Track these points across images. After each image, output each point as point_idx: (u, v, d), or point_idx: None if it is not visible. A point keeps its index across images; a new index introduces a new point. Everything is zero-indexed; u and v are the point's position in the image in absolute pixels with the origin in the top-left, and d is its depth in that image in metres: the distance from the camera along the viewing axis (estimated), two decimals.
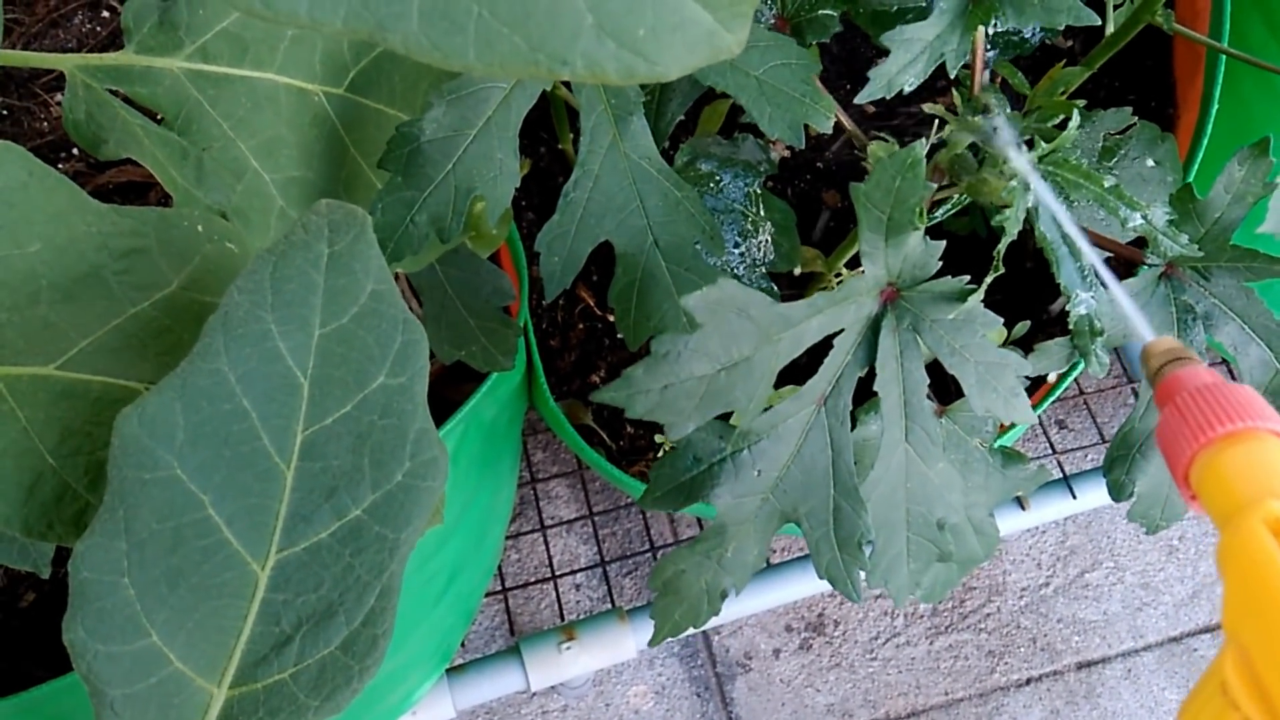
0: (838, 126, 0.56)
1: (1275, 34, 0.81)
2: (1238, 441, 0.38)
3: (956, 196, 0.60)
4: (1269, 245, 0.58)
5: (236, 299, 0.36)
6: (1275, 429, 0.38)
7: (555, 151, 0.87)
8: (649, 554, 1.05)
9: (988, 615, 1.09)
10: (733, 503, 0.53)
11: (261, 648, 0.36)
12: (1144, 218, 0.52)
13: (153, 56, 0.48)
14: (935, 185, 0.56)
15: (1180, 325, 0.58)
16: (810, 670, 1.06)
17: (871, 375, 0.53)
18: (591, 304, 0.85)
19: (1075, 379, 1.09)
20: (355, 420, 0.37)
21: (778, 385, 0.52)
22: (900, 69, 0.54)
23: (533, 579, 1.05)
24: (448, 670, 0.90)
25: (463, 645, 1.03)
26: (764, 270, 0.62)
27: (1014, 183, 0.51)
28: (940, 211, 0.61)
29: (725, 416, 0.52)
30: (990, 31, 0.67)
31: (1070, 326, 0.54)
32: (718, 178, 0.62)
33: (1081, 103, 0.62)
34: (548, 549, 1.05)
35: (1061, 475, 1.02)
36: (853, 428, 0.53)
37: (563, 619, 1.03)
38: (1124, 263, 0.80)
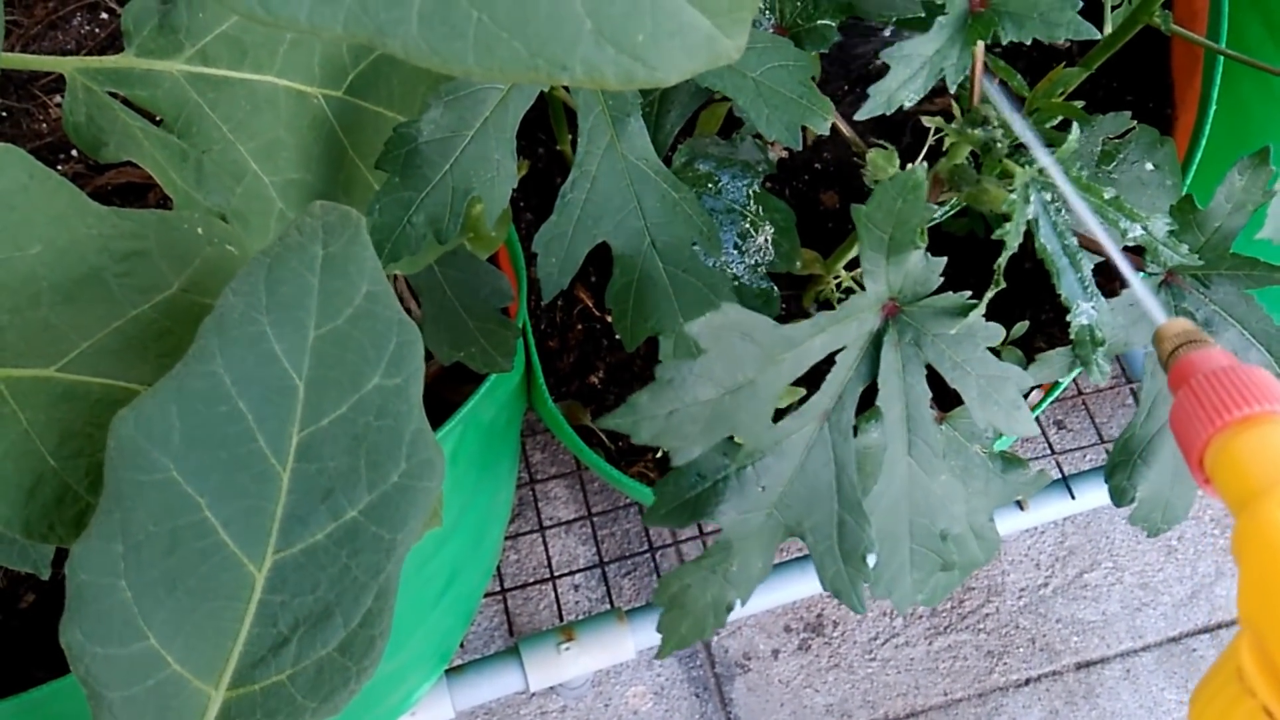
0: (836, 128, 0.56)
1: (1273, 35, 0.82)
2: (1253, 426, 0.37)
3: (954, 199, 0.60)
4: (1268, 252, 0.59)
5: (231, 301, 0.36)
6: None
7: (553, 153, 0.87)
8: (648, 554, 1.06)
9: (986, 616, 1.09)
10: (737, 519, 0.53)
11: (259, 649, 0.36)
12: (1144, 228, 0.53)
13: (153, 59, 0.48)
14: (935, 206, 0.56)
15: None
16: (809, 671, 1.06)
17: (872, 387, 0.53)
18: (590, 305, 0.85)
19: (1074, 379, 1.10)
20: (351, 422, 0.37)
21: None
22: (900, 84, 0.54)
23: (531, 580, 1.05)
24: (447, 671, 0.91)
25: (462, 646, 1.03)
26: (764, 271, 0.62)
27: (1014, 194, 0.51)
28: (939, 213, 0.61)
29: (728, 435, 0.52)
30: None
31: (1072, 336, 0.54)
32: (716, 178, 0.62)
33: (1080, 104, 0.63)
34: (546, 550, 1.05)
35: (1060, 476, 1.02)
36: (854, 437, 0.54)
37: (561, 619, 1.03)
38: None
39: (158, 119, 0.49)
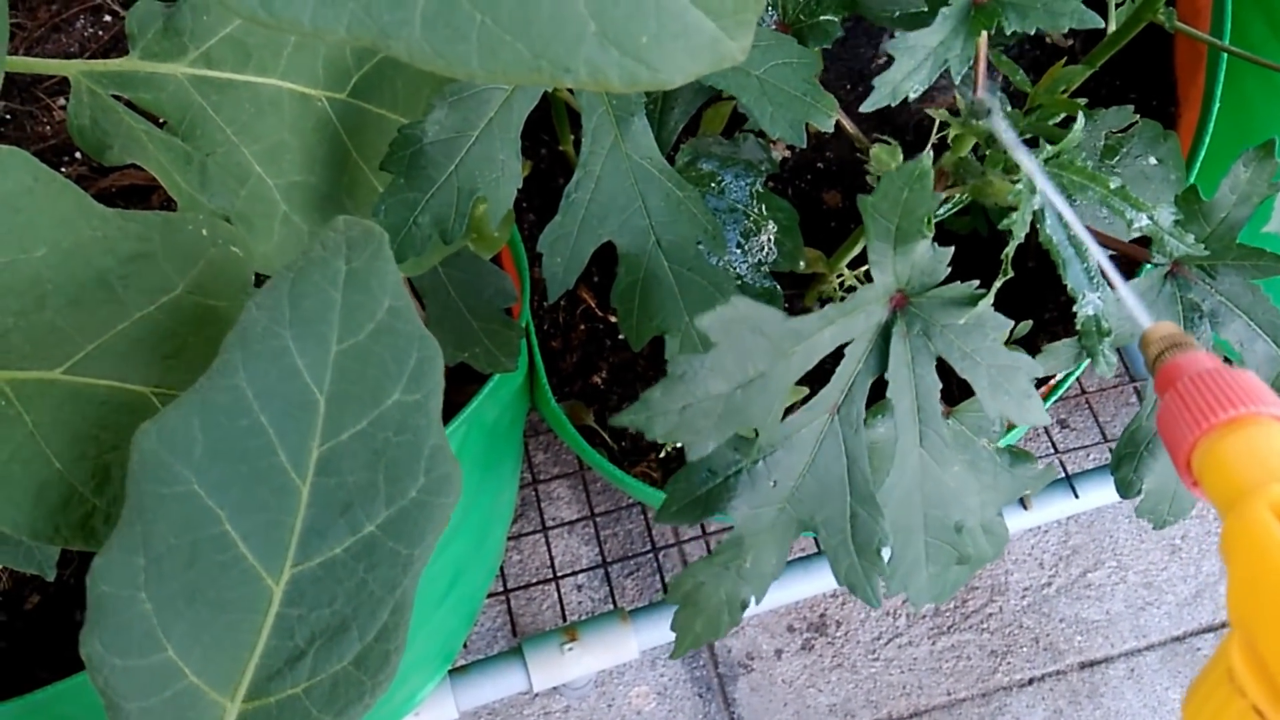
0: (839, 125, 0.56)
1: (1276, 32, 0.81)
2: (1239, 427, 0.37)
3: (958, 196, 0.60)
4: (1275, 244, 0.59)
5: (255, 315, 0.36)
6: (1277, 414, 0.37)
7: (556, 153, 0.87)
8: (651, 554, 1.06)
9: (990, 615, 1.09)
10: (750, 514, 0.53)
11: (275, 662, 0.37)
12: (1150, 218, 0.53)
13: (157, 62, 0.48)
14: (942, 196, 0.56)
15: (1187, 323, 0.59)
16: (812, 671, 1.06)
17: (882, 380, 0.53)
18: (593, 305, 0.85)
19: (1078, 378, 1.10)
20: (370, 437, 0.37)
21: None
22: (905, 76, 0.54)
23: (534, 580, 1.05)
24: (450, 671, 0.91)
25: (465, 646, 1.04)
26: (767, 270, 0.62)
27: (1020, 185, 0.51)
28: (941, 211, 0.61)
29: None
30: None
31: (1078, 327, 0.54)
32: (719, 177, 0.62)
33: (1083, 101, 0.63)
34: (549, 550, 1.05)
35: (1064, 475, 1.02)
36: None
37: (565, 620, 1.03)
38: (1129, 261, 0.80)
39: (162, 122, 0.50)
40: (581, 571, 1.05)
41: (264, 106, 0.49)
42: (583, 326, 0.85)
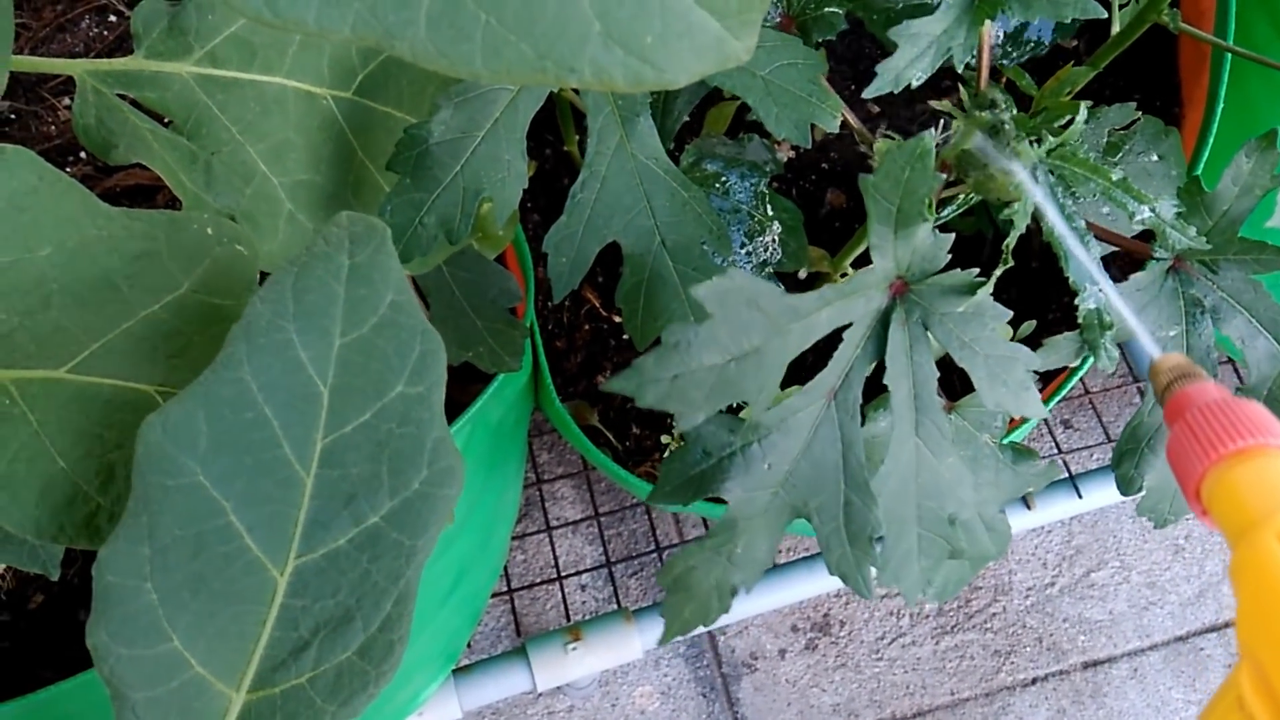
0: (843, 127, 0.56)
1: None
2: (1248, 458, 0.38)
3: (963, 196, 0.60)
4: (1277, 239, 0.58)
5: (259, 309, 0.36)
6: None
7: (560, 153, 0.87)
8: (654, 554, 1.06)
9: (993, 615, 1.09)
10: (743, 497, 0.53)
11: (280, 653, 0.37)
12: (1152, 210, 0.52)
13: (162, 61, 0.48)
14: (944, 176, 0.56)
15: (1188, 319, 0.59)
16: (816, 670, 1.06)
17: (881, 373, 0.53)
18: (597, 305, 0.85)
19: (1081, 378, 1.09)
20: (374, 429, 0.37)
21: (784, 385, 0.52)
22: (908, 63, 0.54)
23: (538, 580, 1.05)
24: (454, 671, 0.91)
25: (469, 646, 1.04)
26: (771, 270, 0.62)
27: (1021, 178, 0.51)
28: (947, 211, 0.61)
29: (734, 410, 0.52)
30: (1003, 34, 0.67)
31: (1079, 320, 0.54)
32: (724, 178, 0.62)
33: (1088, 103, 0.62)
34: (553, 550, 1.05)
35: (1067, 475, 1.02)
36: (862, 424, 0.53)
37: (568, 619, 1.03)
38: (1131, 257, 0.80)
39: (167, 121, 0.50)
40: (585, 571, 1.05)
41: (269, 105, 0.49)
42: (587, 326, 0.85)
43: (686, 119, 0.63)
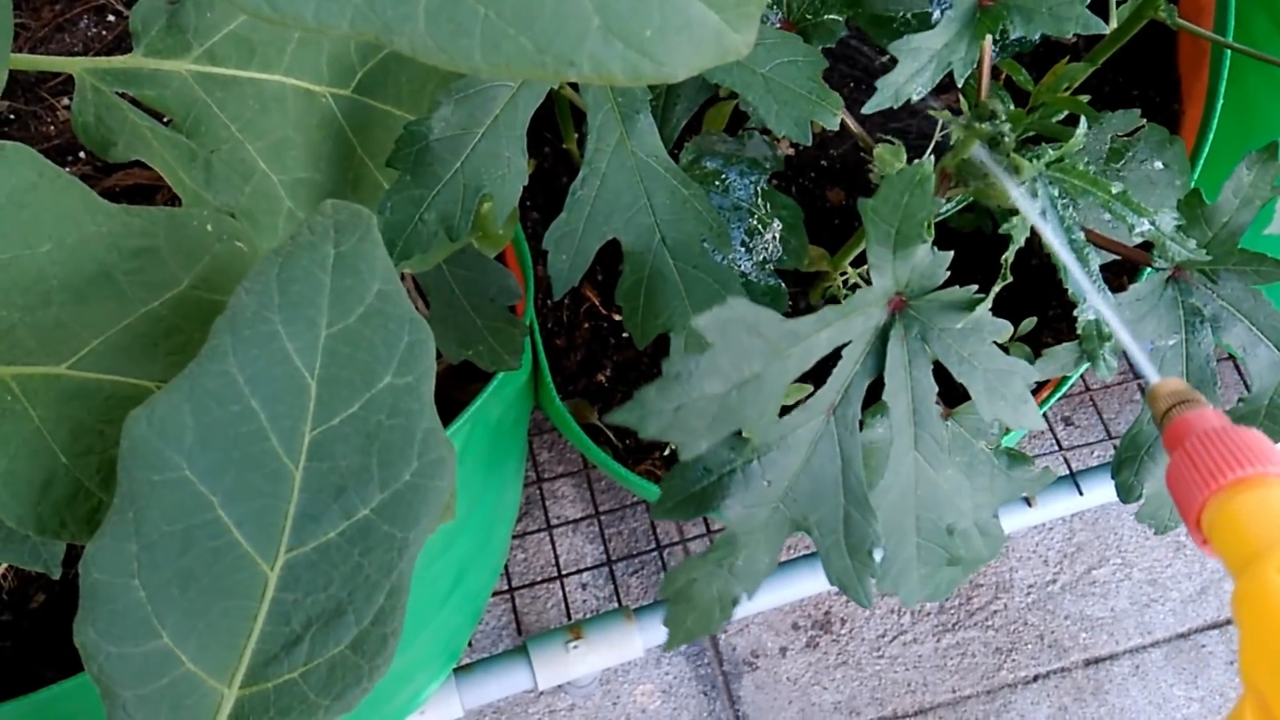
0: (844, 126, 0.56)
1: (1279, 28, 0.81)
2: (1249, 488, 0.38)
3: (960, 194, 0.60)
4: (1276, 248, 0.58)
5: (244, 300, 0.36)
6: None
7: (559, 151, 0.87)
8: (655, 553, 1.06)
9: (995, 612, 1.09)
10: (743, 513, 0.53)
11: (272, 647, 0.36)
12: (1152, 223, 0.53)
13: (161, 59, 0.48)
14: (944, 201, 0.56)
15: (1188, 328, 0.58)
16: (817, 668, 1.06)
17: (878, 382, 0.53)
18: (597, 303, 0.85)
19: (1081, 376, 1.09)
20: (363, 420, 0.37)
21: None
22: (908, 78, 0.54)
23: (539, 578, 1.05)
24: (455, 670, 0.91)
25: (470, 645, 1.04)
26: (771, 268, 0.62)
27: (1022, 188, 0.51)
28: (944, 208, 0.61)
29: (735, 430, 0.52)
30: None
31: (1079, 332, 0.54)
32: (724, 175, 0.62)
33: (1086, 98, 0.63)
34: (554, 548, 1.05)
35: (1068, 472, 1.02)
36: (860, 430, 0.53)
37: (569, 618, 1.03)
38: (1130, 266, 0.80)
39: (166, 119, 0.50)
40: (586, 570, 1.05)
41: (268, 103, 0.49)
42: (587, 324, 0.85)
43: (685, 122, 0.63)
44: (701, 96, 0.61)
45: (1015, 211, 0.50)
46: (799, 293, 0.80)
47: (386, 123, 0.52)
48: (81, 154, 0.78)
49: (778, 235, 0.62)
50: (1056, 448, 1.09)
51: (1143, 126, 0.62)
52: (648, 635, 0.92)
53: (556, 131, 0.86)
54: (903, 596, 0.58)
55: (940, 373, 0.54)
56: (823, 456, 0.53)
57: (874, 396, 0.54)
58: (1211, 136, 0.79)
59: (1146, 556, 1.12)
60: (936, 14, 0.59)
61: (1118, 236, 0.58)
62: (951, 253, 0.51)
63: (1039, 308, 0.84)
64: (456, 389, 0.72)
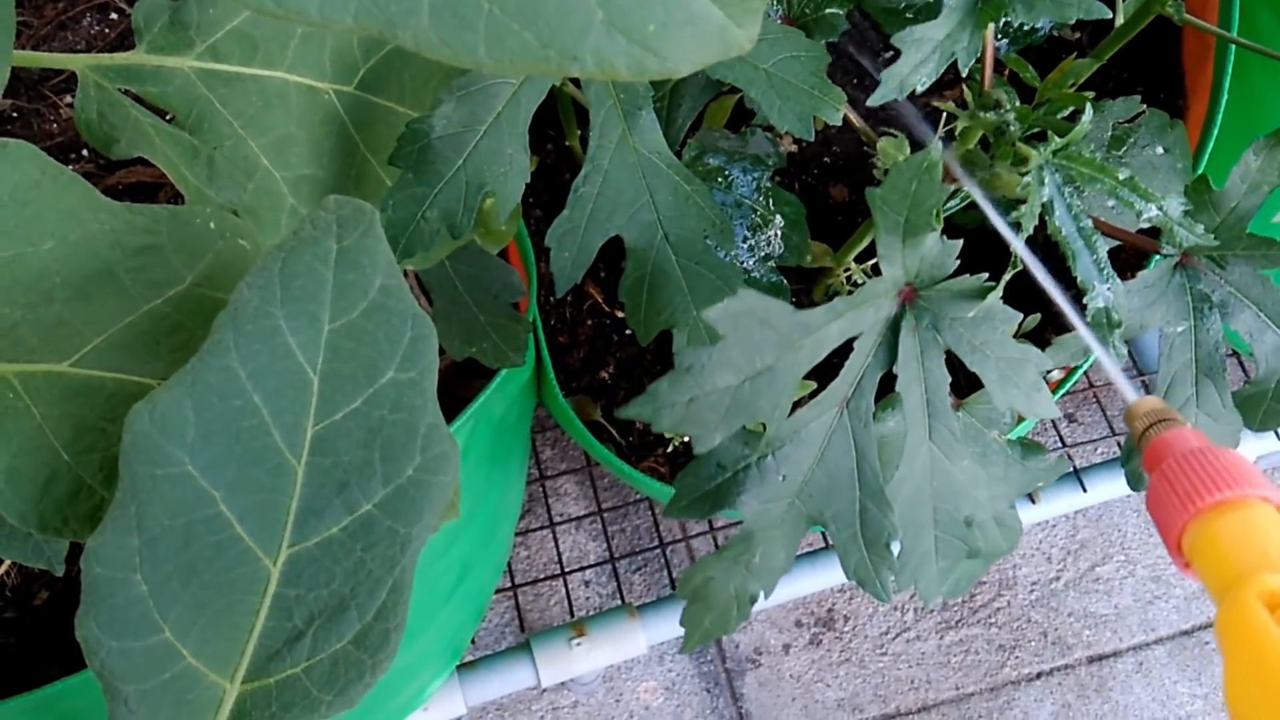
0: (845, 120, 0.56)
1: None
2: (1228, 510, 0.38)
3: (966, 190, 0.60)
4: None
5: (246, 295, 0.36)
6: (1265, 495, 0.38)
7: (562, 149, 0.87)
8: (658, 550, 1.06)
9: (998, 610, 1.09)
10: (759, 508, 0.53)
11: (274, 643, 0.36)
12: (1159, 209, 0.52)
13: (164, 56, 0.48)
14: (951, 187, 0.56)
15: (1195, 314, 0.58)
16: (820, 665, 1.06)
17: (891, 374, 0.53)
18: (600, 300, 0.85)
19: (1085, 372, 1.09)
20: (365, 415, 0.37)
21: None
22: (912, 69, 0.54)
23: (542, 576, 1.05)
24: (458, 667, 0.91)
25: (473, 642, 1.04)
26: (774, 264, 0.62)
27: (1028, 178, 0.51)
28: (949, 205, 0.60)
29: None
30: (999, 22, 0.66)
31: (1088, 319, 0.54)
32: (726, 172, 0.62)
33: (1091, 94, 0.62)
34: (557, 546, 1.05)
35: (1072, 469, 1.02)
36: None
37: (572, 615, 1.03)
38: (1138, 252, 0.80)
39: (169, 116, 0.50)
40: (589, 567, 1.05)
41: (271, 100, 0.49)
42: (590, 322, 0.85)
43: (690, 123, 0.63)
44: (706, 95, 0.61)
45: (1022, 201, 0.50)
46: (801, 289, 0.80)
47: (389, 119, 0.52)
48: (85, 152, 0.78)
49: (780, 231, 0.62)
50: (1060, 445, 1.09)
51: (1143, 113, 0.62)
52: (651, 632, 0.92)
53: (559, 129, 0.86)
54: (921, 590, 0.58)
55: (949, 365, 0.54)
56: (837, 450, 0.53)
57: (885, 390, 0.54)
58: (1216, 132, 0.79)
59: (1150, 553, 1.12)
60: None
61: (1123, 224, 0.58)
62: (961, 241, 0.50)
63: (1044, 304, 0.84)
64: (460, 386, 0.72)
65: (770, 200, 0.62)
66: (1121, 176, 0.51)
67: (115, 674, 0.35)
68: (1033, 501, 1.00)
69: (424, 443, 0.37)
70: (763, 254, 0.62)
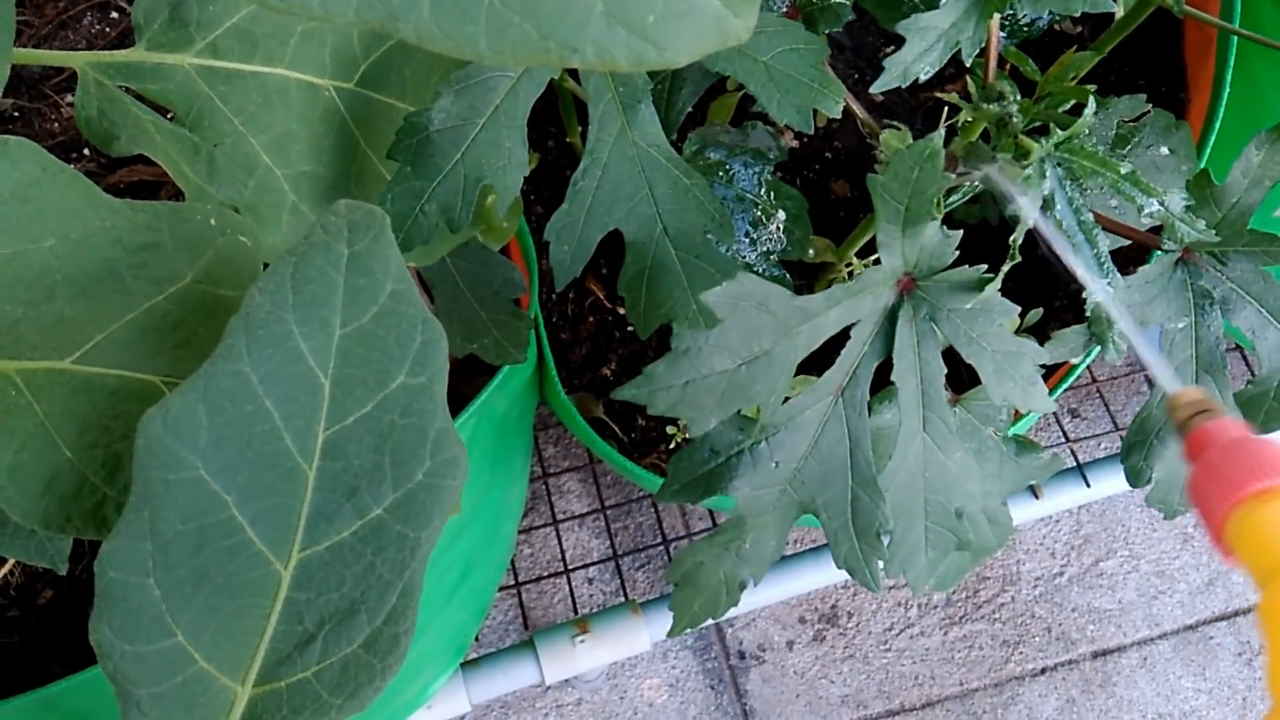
0: (848, 115, 0.55)
1: None
2: (1271, 499, 0.38)
3: (968, 184, 0.60)
4: None
5: (258, 300, 0.36)
6: None
7: (563, 145, 0.87)
8: (661, 547, 1.05)
9: (1002, 605, 1.09)
10: (751, 494, 0.53)
11: (285, 646, 0.37)
12: (1161, 204, 0.52)
13: (164, 53, 0.48)
14: (953, 176, 0.56)
15: (1197, 310, 0.58)
16: (824, 662, 1.06)
17: (887, 364, 0.53)
18: (601, 297, 0.85)
19: (1088, 367, 1.09)
20: (376, 420, 0.37)
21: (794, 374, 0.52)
22: (916, 57, 0.53)
23: (545, 573, 1.05)
24: (462, 664, 0.91)
25: (477, 639, 1.04)
26: (776, 259, 0.62)
27: (1029, 171, 0.51)
28: (951, 200, 0.60)
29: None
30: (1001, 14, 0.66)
31: (1087, 314, 0.54)
32: (727, 166, 0.62)
33: (1093, 88, 0.62)
34: (560, 543, 1.05)
35: (1075, 464, 1.02)
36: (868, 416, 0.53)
37: (576, 612, 1.03)
38: (1140, 248, 0.80)
39: (169, 114, 0.50)
40: (592, 564, 1.05)
41: (271, 96, 0.49)
42: (591, 318, 0.85)
43: (689, 110, 0.63)
44: (705, 84, 0.61)
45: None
46: (804, 284, 0.80)
47: (390, 116, 0.51)
48: (86, 151, 0.78)
49: (782, 226, 0.62)
50: (1063, 440, 1.09)
51: (1148, 112, 0.62)
52: (654, 629, 0.92)
53: (560, 125, 0.86)
54: (910, 580, 0.58)
55: (946, 361, 0.54)
56: (830, 438, 0.53)
57: (882, 383, 0.54)
58: (1218, 125, 0.79)
59: (1154, 548, 1.12)
60: None
61: (1125, 220, 0.58)
62: (960, 232, 0.50)
63: (1045, 300, 0.84)
64: (462, 383, 0.72)
65: (772, 194, 0.62)
66: (1123, 170, 0.51)
67: (128, 677, 0.35)
68: (1036, 497, 1.00)
69: (434, 447, 0.37)
70: (765, 248, 0.62)
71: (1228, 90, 0.79)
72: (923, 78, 0.53)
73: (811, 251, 0.65)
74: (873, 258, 0.76)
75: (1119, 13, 0.64)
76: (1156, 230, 0.56)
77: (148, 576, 0.35)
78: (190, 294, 0.41)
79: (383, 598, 0.37)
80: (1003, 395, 0.52)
